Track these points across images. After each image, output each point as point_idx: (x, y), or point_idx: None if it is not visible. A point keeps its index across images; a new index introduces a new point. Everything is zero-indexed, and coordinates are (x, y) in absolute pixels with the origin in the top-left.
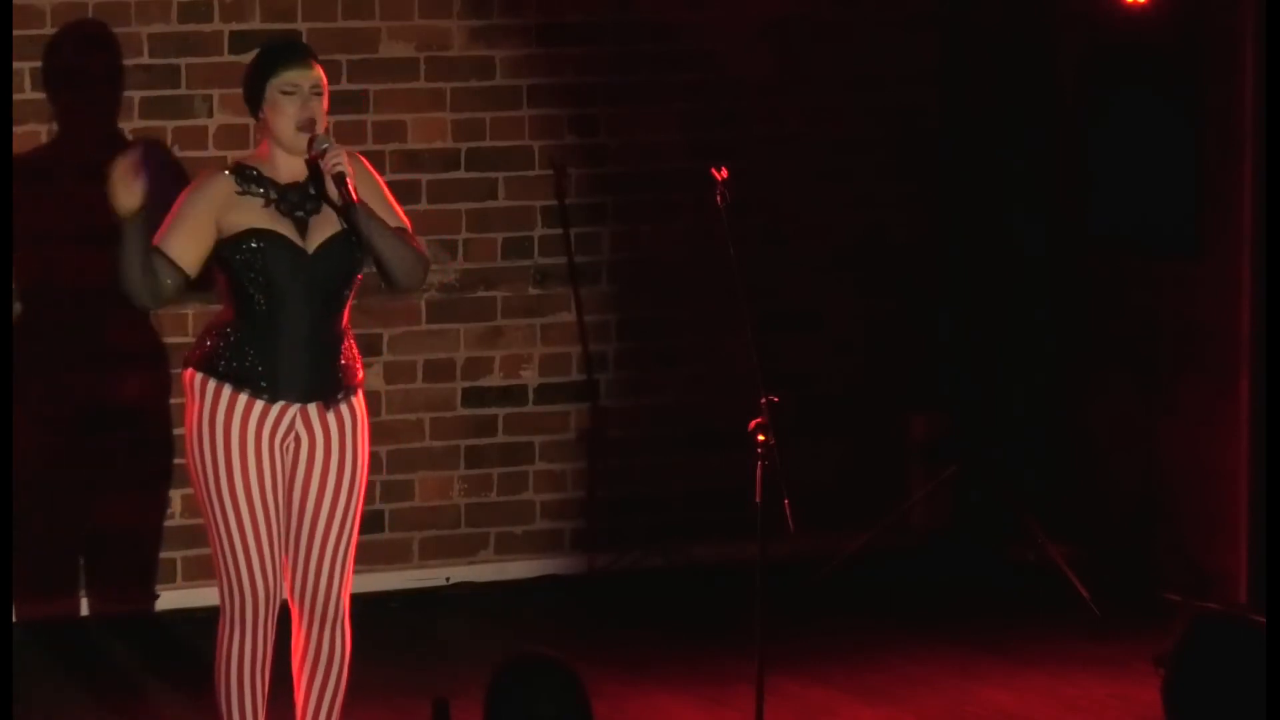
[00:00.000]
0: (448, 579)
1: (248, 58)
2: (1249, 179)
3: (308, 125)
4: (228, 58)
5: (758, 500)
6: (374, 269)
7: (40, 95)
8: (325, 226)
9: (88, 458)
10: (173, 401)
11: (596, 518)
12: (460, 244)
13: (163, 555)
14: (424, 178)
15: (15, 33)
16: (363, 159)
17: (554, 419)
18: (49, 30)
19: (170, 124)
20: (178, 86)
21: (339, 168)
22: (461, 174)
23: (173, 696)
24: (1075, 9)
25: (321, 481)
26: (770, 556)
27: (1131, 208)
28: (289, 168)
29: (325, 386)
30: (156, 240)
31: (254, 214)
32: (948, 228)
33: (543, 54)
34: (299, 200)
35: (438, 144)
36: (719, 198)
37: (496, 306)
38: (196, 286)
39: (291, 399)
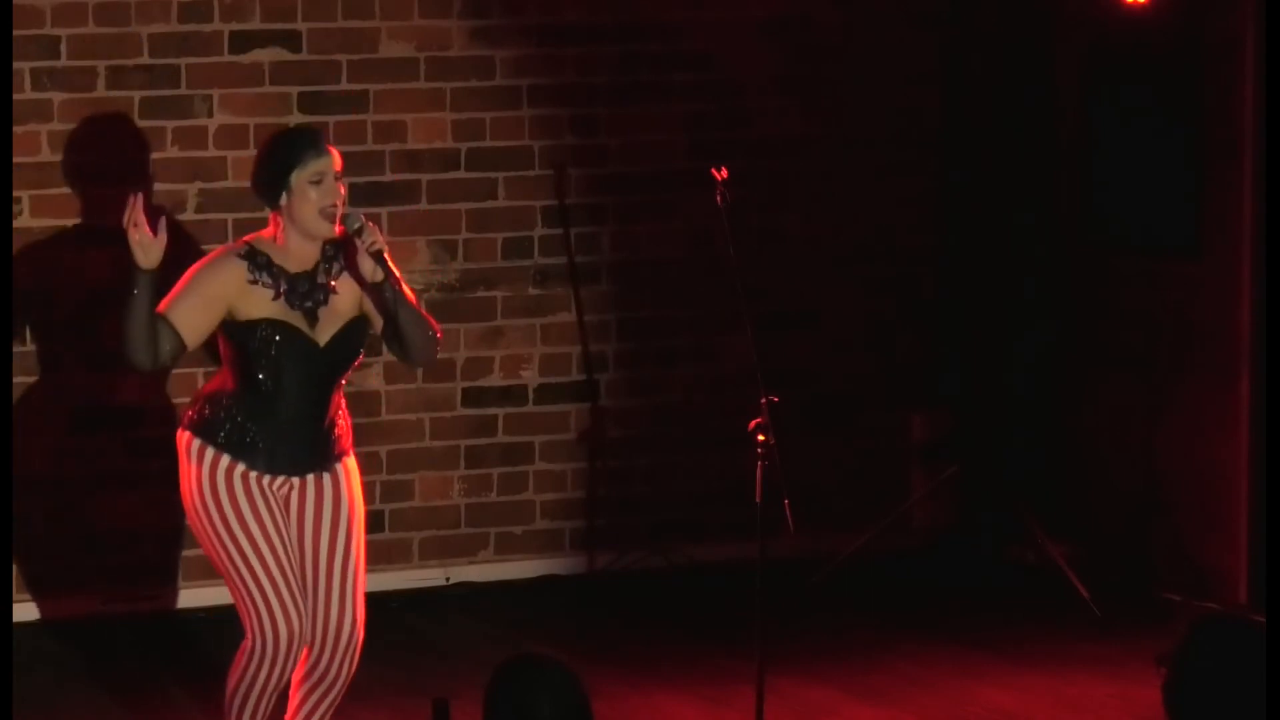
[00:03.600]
0: (448, 579)
1: (248, 58)
2: (1249, 179)
3: (331, 212)
4: (228, 58)
5: (758, 500)
6: (385, 339)
7: (40, 95)
8: (334, 318)
9: (88, 458)
10: (174, 402)
11: (596, 518)
12: (460, 244)
13: (163, 555)
14: (424, 178)
15: (15, 33)
16: (374, 227)
17: (554, 419)
18: (49, 30)
19: (170, 124)
20: (178, 86)
21: (377, 246)
22: (461, 174)
23: (173, 695)
24: (1075, 10)
25: (315, 525)
26: (770, 556)
27: (1131, 208)
28: (300, 256)
29: (319, 460)
30: (162, 308)
31: (265, 305)
32: (948, 228)
33: (543, 54)
34: (308, 291)
35: (438, 144)
36: (719, 198)
37: (496, 306)
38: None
39: (287, 473)
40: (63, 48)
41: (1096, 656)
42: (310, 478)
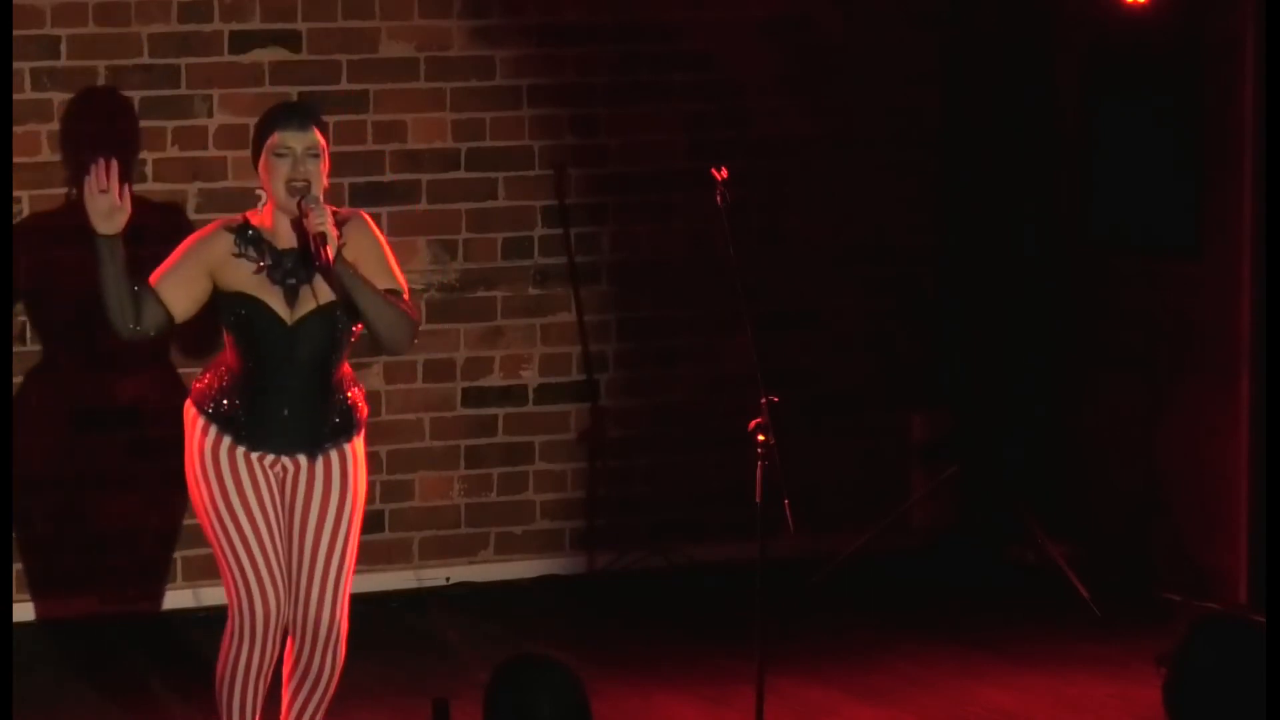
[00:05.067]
0: (448, 579)
1: (248, 58)
2: (1249, 179)
3: (299, 188)
4: (228, 58)
5: (758, 500)
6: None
7: (40, 95)
8: (312, 299)
9: (88, 458)
10: (174, 401)
11: (596, 518)
12: (460, 244)
13: (163, 555)
14: (424, 178)
15: (15, 33)
16: (369, 220)
17: (554, 419)
18: (49, 30)
19: (170, 124)
20: (178, 86)
21: (320, 228)
22: (461, 174)
23: (173, 696)
24: (1075, 10)
25: (306, 507)
26: (770, 556)
27: (1131, 208)
28: (288, 232)
29: (307, 442)
30: (153, 279)
31: (244, 279)
32: (948, 228)
33: (543, 54)
34: (292, 267)
35: (438, 144)
36: (719, 198)
37: (496, 306)
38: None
39: (270, 450)
40: (63, 48)
41: (1096, 656)
42: (304, 460)
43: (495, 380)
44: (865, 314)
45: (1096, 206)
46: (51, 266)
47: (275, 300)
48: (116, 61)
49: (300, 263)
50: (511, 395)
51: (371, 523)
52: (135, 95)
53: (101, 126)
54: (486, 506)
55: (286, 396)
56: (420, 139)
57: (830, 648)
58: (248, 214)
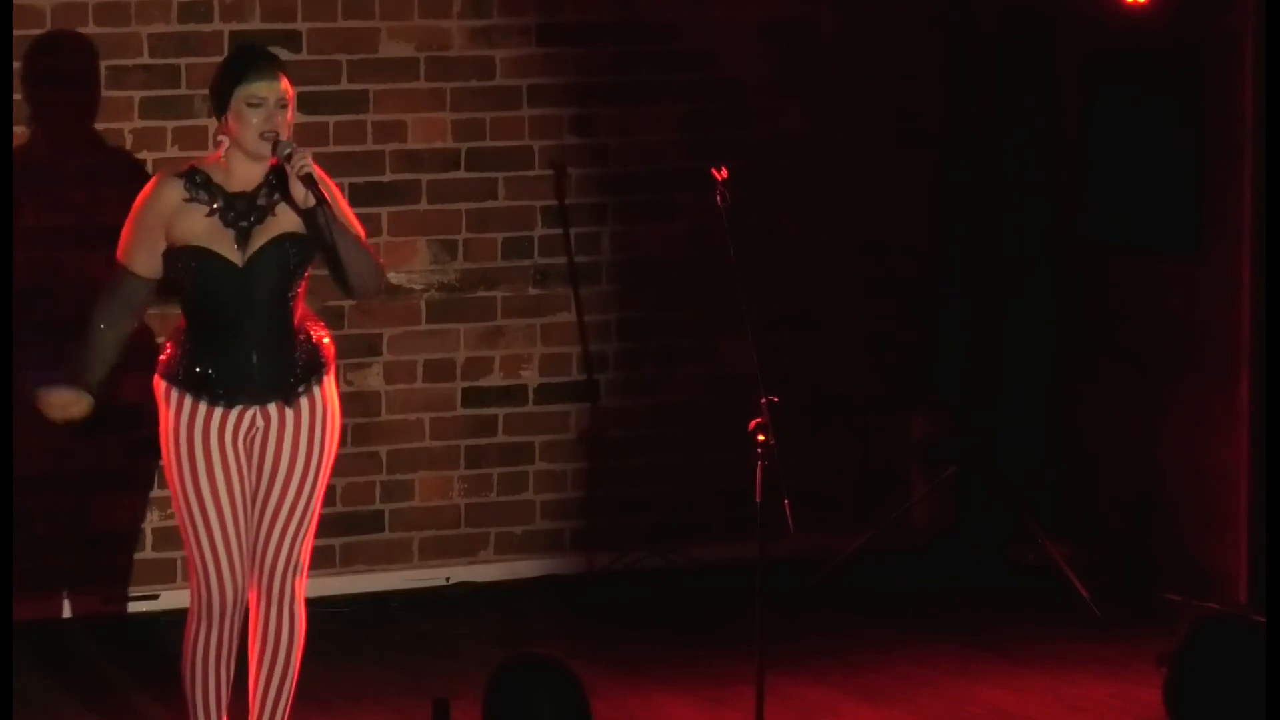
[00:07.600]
0: (448, 579)
1: None
2: (1249, 179)
3: (270, 136)
4: None
5: (758, 500)
6: (328, 272)
7: (40, 95)
8: (263, 236)
9: (88, 458)
10: None
11: (596, 518)
12: (460, 244)
13: (161, 555)
14: (424, 178)
15: (15, 33)
16: (317, 168)
17: (554, 419)
18: (49, 30)
19: (170, 124)
20: (178, 86)
21: (306, 169)
22: (461, 174)
23: (173, 696)
24: (1075, 9)
25: (275, 462)
26: (770, 556)
27: (1131, 208)
28: (243, 175)
29: (280, 386)
30: (120, 257)
31: (195, 226)
32: (948, 228)
33: (543, 54)
34: (244, 210)
35: (438, 144)
36: (719, 198)
37: (496, 306)
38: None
39: (247, 402)
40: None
41: (1096, 656)
42: (274, 410)
43: (495, 380)
44: (865, 314)
45: (1096, 206)
46: (51, 266)
47: (225, 246)
48: (116, 61)
49: (252, 207)
50: (511, 395)
51: (371, 523)
52: (135, 95)
53: (101, 125)
54: (486, 506)
55: (250, 341)
56: (420, 139)
57: (830, 648)
58: (193, 161)
